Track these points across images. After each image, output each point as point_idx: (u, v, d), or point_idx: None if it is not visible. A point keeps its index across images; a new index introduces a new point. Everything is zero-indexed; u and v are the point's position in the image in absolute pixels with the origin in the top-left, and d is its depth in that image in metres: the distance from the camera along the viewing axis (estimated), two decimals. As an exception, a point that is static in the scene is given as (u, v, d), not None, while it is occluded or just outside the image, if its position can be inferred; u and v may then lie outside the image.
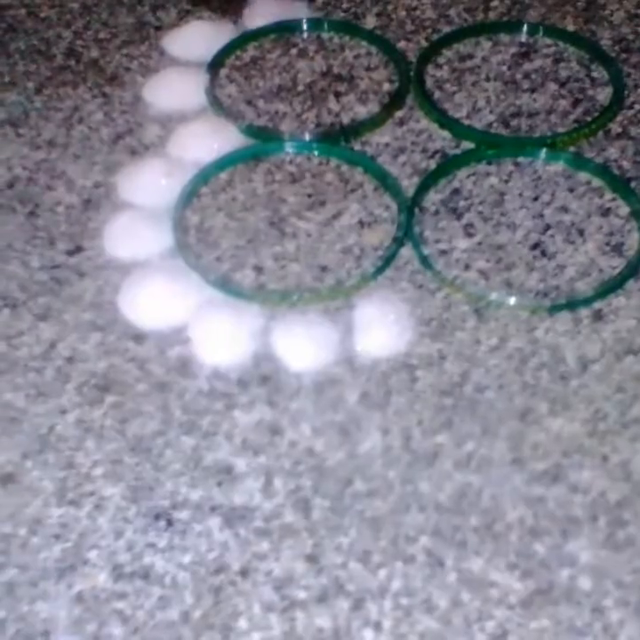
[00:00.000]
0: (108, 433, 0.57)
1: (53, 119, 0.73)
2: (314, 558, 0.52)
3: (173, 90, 0.75)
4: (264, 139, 0.71)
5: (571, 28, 0.78)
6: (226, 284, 0.63)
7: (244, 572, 0.52)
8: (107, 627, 0.50)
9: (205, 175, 0.69)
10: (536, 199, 0.67)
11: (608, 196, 0.67)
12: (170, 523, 0.53)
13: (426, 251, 0.64)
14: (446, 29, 0.78)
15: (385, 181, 0.68)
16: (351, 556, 0.52)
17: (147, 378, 0.59)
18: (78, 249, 0.66)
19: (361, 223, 0.66)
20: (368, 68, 0.76)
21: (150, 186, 0.68)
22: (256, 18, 0.79)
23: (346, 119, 0.72)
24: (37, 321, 0.62)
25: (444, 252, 0.65)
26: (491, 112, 0.73)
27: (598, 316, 0.61)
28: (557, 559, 0.52)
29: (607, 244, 0.65)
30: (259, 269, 0.64)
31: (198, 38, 0.78)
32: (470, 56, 0.77)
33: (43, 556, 0.53)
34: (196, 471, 0.55)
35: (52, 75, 0.77)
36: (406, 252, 0.64)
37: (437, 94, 0.74)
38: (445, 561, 0.52)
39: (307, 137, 0.71)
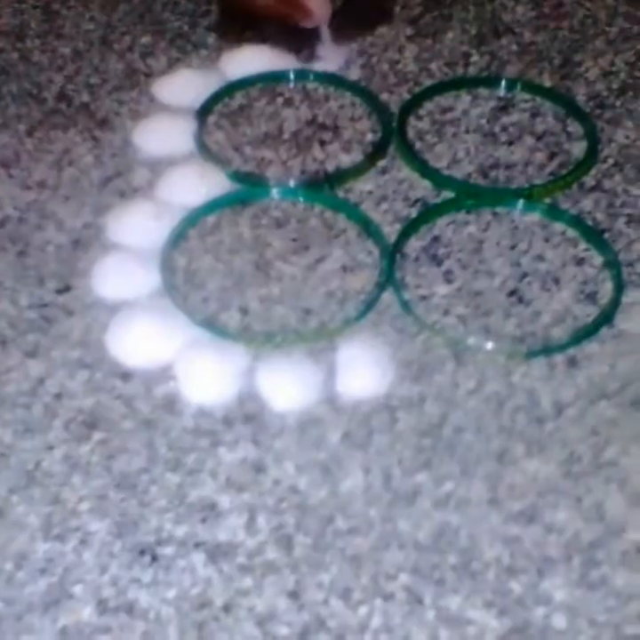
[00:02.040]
0: (95, 469, 0.58)
1: (44, 161, 0.75)
2: (296, 595, 0.53)
3: (162, 135, 0.76)
4: (250, 184, 0.73)
5: (547, 83, 0.81)
6: (212, 325, 0.64)
7: (227, 608, 0.52)
8: (91, 660, 0.51)
9: (193, 218, 0.70)
10: (513, 248, 0.69)
11: (582, 246, 0.69)
12: (154, 558, 0.54)
13: (407, 296, 0.66)
14: (428, 82, 0.81)
15: (368, 228, 0.70)
16: (332, 593, 0.53)
17: (133, 415, 0.60)
18: (67, 288, 0.67)
19: (344, 268, 0.68)
20: (352, 119, 0.78)
21: (139, 227, 0.70)
22: (243, 67, 0.81)
23: (330, 167, 0.74)
24: (26, 358, 0.63)
25: (424, 298, 0.66)
26: (470, 163, 0.75)
27: (573, 362, 0.63)
28: (533, 597, 0.53)
29: (581, 292, 0.67)
30: (244, 311, 0.66)
31: (187, 86, 0.80)
32: (450, 109, 0.79)
33: (28, 590, 0.53)
34: (181, 508, 0.56)
35: (43, 118, 0.78)
36: (388, 296, 0.66)
37: (419, 145, 0.76)
38: (424, 598, 0.53)
39: (292, 183, 0.73)
